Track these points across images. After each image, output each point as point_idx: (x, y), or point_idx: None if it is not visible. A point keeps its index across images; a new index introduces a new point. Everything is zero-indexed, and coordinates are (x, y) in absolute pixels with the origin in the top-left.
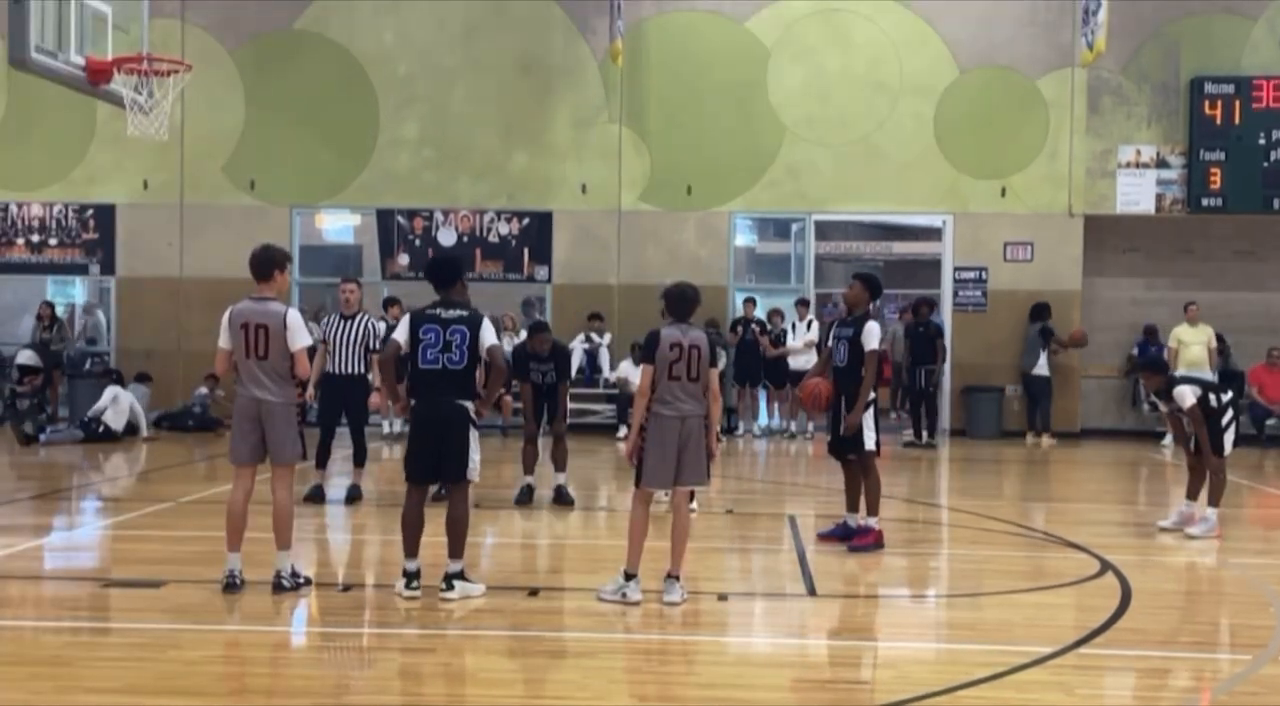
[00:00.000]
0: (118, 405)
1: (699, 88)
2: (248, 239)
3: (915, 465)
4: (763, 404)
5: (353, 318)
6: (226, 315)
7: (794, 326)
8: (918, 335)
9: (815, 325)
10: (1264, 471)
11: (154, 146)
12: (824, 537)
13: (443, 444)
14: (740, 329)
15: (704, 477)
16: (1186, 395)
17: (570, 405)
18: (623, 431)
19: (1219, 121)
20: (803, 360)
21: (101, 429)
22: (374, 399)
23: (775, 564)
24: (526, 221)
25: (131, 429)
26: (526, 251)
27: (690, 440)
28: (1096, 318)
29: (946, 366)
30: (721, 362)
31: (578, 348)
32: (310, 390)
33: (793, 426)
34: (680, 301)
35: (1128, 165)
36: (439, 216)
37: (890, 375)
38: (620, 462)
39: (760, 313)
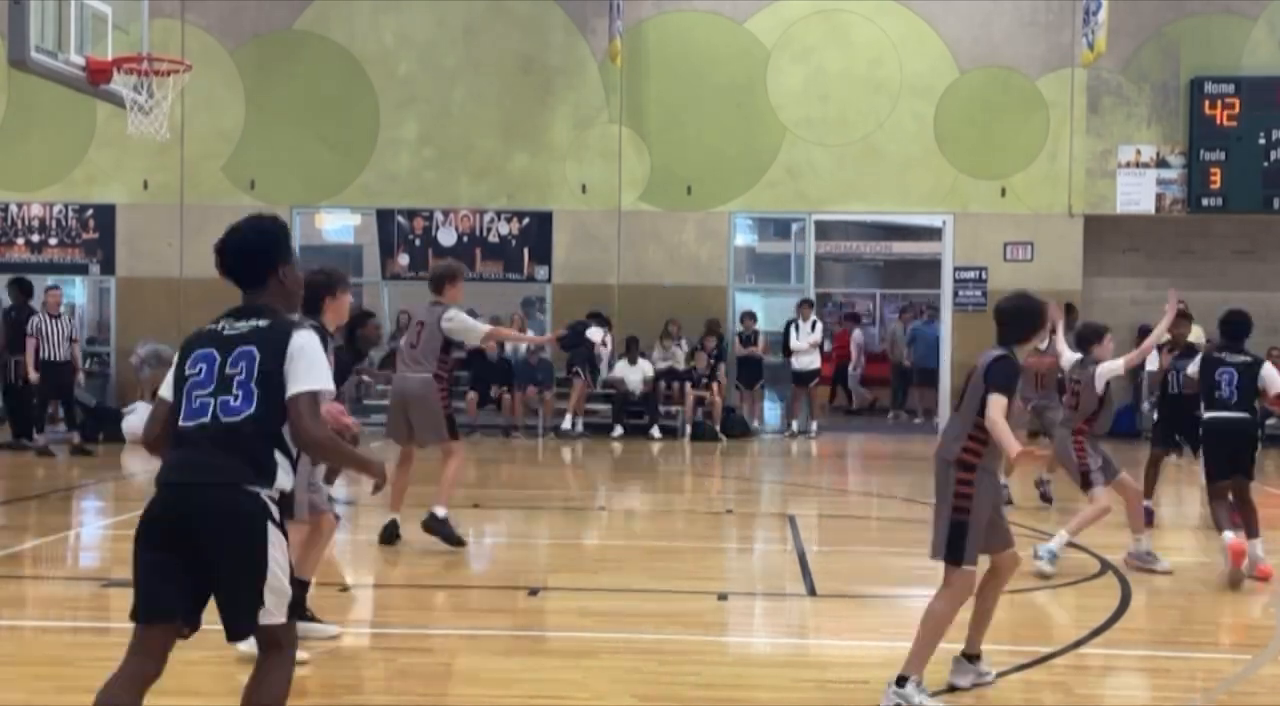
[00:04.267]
0: (141, 417)
1: (699, 88)
2: None
3: (916, 465)
4: (766, 404)
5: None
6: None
7: (797, 327)
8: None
9: (819, 326)
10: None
11: (154, 146)
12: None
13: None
14: (741, 341)
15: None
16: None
17: (566, 405)
18: (619, 431)
19: (1219, 121)
20: (807, 361)
21: (101, 435)
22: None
23: (775, 564)
24: (526, 221)
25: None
26: (526, 251)
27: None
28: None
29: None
30: None
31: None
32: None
33: (794, 425)
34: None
35: (1128, 165)
36: (439, 216)
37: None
38: (618, 463)
39: (762, 314)
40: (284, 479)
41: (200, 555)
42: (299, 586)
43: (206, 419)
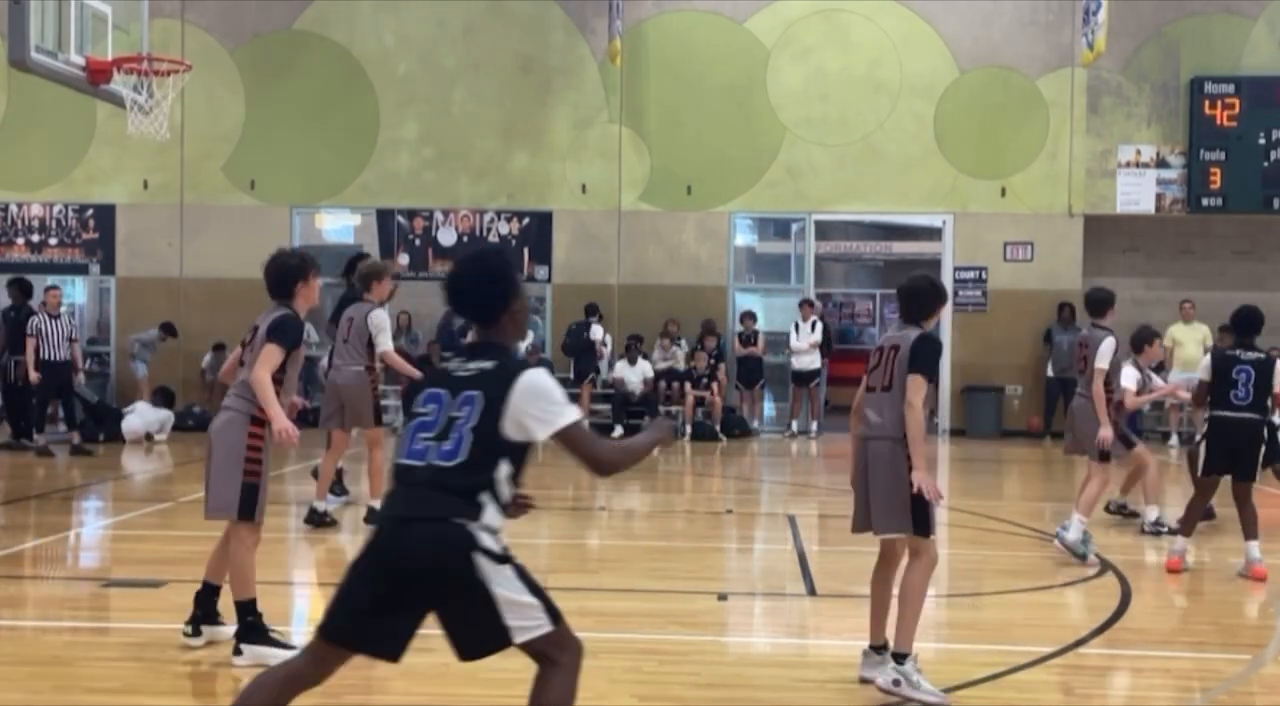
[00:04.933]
0: (140, 417)
1: (699, 88)
2: (248, 239)
3: None
4: (766, 403)
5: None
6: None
7: (798, 327)
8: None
9: (819, 326)
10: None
11: (154, 146)
12: None
13: None
14: (741, 341)
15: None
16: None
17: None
18: (619, 431)
19: (1219, 121)
20: (807, 360)
21: (102, 435)
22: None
23: (775, 564)
24: (526, 221)
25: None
26: (526, 251)
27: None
28: None
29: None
30: None
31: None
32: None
33: (794, 425)
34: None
35: (1128, 165)
36: (439, 216)
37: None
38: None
39: (761, 314)
40: (492, 517)
41: (414, 589)
42: (210, 591)
43: (425, 462)
